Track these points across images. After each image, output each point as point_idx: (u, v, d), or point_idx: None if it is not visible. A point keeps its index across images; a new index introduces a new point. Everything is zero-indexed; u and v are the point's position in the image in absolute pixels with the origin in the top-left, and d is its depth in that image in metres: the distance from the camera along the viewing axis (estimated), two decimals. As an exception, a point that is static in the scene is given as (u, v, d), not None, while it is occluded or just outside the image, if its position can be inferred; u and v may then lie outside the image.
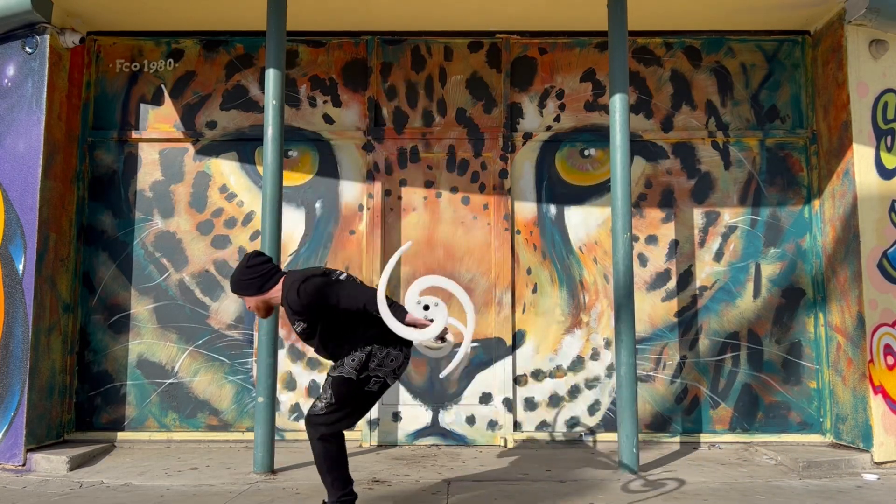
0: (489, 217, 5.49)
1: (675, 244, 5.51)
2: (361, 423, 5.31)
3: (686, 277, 5.49)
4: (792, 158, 5.59)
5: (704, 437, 5.33)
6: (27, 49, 5.07)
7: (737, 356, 5.43)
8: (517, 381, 5.39)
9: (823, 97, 5.38)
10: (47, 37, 5.05)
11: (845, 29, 5.07)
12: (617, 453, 4.62)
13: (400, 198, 5.53)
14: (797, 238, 5.51)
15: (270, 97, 4.68)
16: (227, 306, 5.45)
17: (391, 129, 5.58)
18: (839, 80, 5.15)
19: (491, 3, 5.19)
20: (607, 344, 5.41)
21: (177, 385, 5.40)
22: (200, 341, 5.42)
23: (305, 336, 3.35)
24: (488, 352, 5.38)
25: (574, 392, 5.39)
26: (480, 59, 5.66)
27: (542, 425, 5.36)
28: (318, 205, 5.55)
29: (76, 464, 4.70)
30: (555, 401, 5.38)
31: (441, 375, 3.29)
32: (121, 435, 5.31)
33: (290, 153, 5.53)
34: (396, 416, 5.33)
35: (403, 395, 5.35)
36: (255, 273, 3.30)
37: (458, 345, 3.34)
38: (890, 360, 4.87)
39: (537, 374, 5.40)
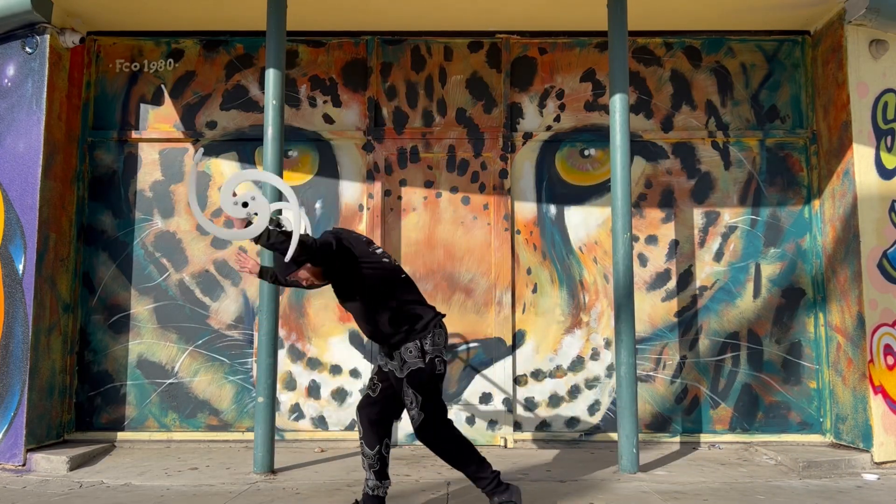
0: (489, 217, 5.49)
1: (675, 244, 5.51)
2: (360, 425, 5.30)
3: (686, 277, 5.49)
4: (792, 158, 5.59)
5: (704, 437, 5.33)
6: (27, 49, 5.07)
7: (737, 356, 5.43)
8: (517, 381, 5.39)
9: (823, 97, 5.38)
10: (47, 37, 5.05)
11: (845, 29, 5.07)
12: (617, 453, 4.62)
13: (400, 198, 5.53)
14: (797, 238, 5.51)
15: (270, 97, 4.67)
16: (227, 306, 5.45)
17: (391, 129, 5.58)
18: (839, 80, 5.15)
19: (491, 3, 5.19)
20: (607, 344, 5.41)
21: (177, 385, 5.40)
22: (200, 341, 5.42)
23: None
24: (488, 352, 5.38)
25: (574, 392, 5.39)
26: (480, 59, 5.66)
27: (542, 425, 5.36)
28: (318, 205, 5.55)
29: (76, 464, 4.70)
30: (555, 401, 5.38)
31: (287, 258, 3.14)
32: (121, 435, 5.31)
33: (290, 153, 5.53)
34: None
35: (403, 395, 5.35)
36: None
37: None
38: (890, 360, 4.87)
39: (537, 374, 5.40)
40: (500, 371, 5.36)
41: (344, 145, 5.58)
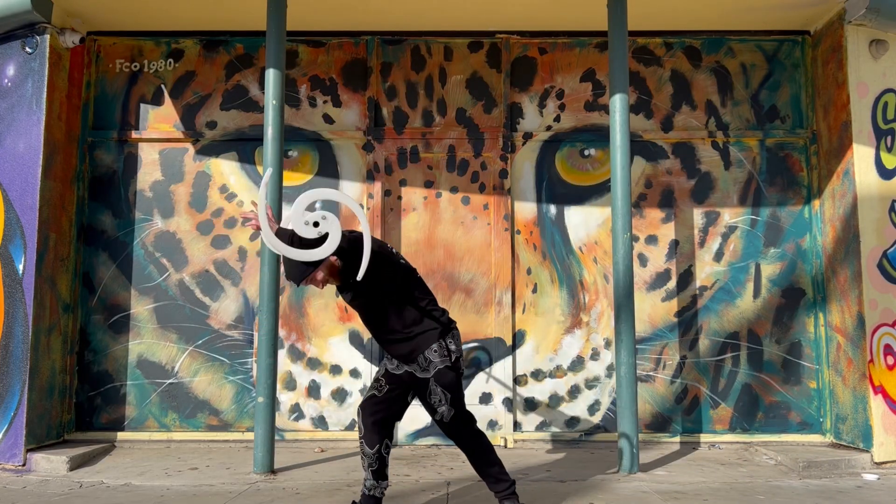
0: (489, 217, 5.49)
1: (675, 244, 5.51)
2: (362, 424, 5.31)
3: (686, 277, 5.49)
4: (792, 158, 5.59)
5: (704, 437, 5.33)
6: (27, 49, 5.07)
7: (737, 356, 5.43)
8: (517, 381, 5.39)
9: (823, 97, 5.38)
10: (47, 37, 5.05)
11: (845, 29, 5.07)
12: (617, 453, 4.62)
13: (400, 198, 5.53)
14: (797, 238, 5.51)
15: (270, 97, 4.67)
16: (227, 306, 5.45)
17: (391, 129, 5.58)
18: (839, 80, 5.15)
19: (491, 3, 5.19)
20: (607, 344, 5.41)
21: (177, 385, 5.40)
22: (200, 341, 5.42)
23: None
24: (488, 352, 5.38)
25: (574, 392, 5.39)
26: (480, 59, 5.66)
27: (542, 425, 5.36)
28: (318, 205, 5.54)
29: (76, 464, 4.70)
30: (555, 401, 5.38)
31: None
32: (121, 435, 5.31)
33: (290, 153, 5.53)
34: (396, 416, 5.33)
35: (403, 395, 5.35)
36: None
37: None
38: (890, 360, 4.87)
39: (537, 374, 5.41)
40: (500, 371, 5.36)
41: (344, 145, 5.58)
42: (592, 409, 5.38)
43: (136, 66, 5.66)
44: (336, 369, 5.39)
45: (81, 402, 5.38)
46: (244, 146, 5.57)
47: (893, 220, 4.99)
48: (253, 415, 5.13)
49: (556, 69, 5.66)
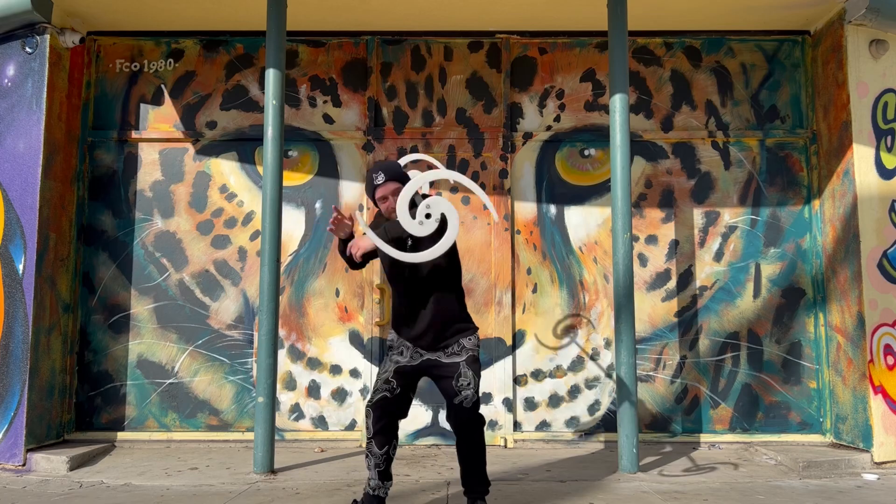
0: (489, 217, 5.49)
1: (675, 244, 5.51)
2: (362, 423, 5.31)
3: (686, 277, 5.49)
4: (792, 158, 5.59)
5: (704, 437, 5.33)
6: (27, 49, 5.07)
7: (737, 356, 5.43)
8: (517, 381, 5.39)
9: (823, 97, 5.38)
10: (47, 37, 5.05)
11: (845, 29, 5.07)
12: (617, 453, 4.62)
13: (400, 198, 5.52)
14: (797, 238, 5.51)
15: (270, 97, 4.68)
16: (227, 306, 5.45)
17: (391, 129, 5.58)
18: (839, 80, 5.15)
19: (491, 3, 5.19)
20: (607, 344, 5.41)
21: (177, 385, 5.40)
22: (200, 341, 5.42)
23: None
24: (488, 352, 5.38)
25: (574, 392, 5.39)
26: (480, 59, 5.66)
27: (542, 425, 5.36)
28: (318, 205, 5.55)
29: (76, 464, 4.70)
30: (555, 401, 5.38)
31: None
32: (121, 435, 5.31)
33: (290, 153, 5.54)
34: (396, 416, 5.33)
35: (403, 395, 5.34)
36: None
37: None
38: (890, 360, 4.87)
39: (537, 374, 5.41)
40: (500, 371, 5.36)
41: (344, 145, 5.58)
42: (592, 409, 5.38)
43: (136, 66, 5.66)
44: (336, 369, 5.39)
45: (81, 402, 5.38)
46: (244, 146, 5.58)
47: (893, 220, 4.99)
48: (253, 415, 5.13)
49: (556, 69, 5.66)
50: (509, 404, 5.33)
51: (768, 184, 5.56)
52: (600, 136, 5.50)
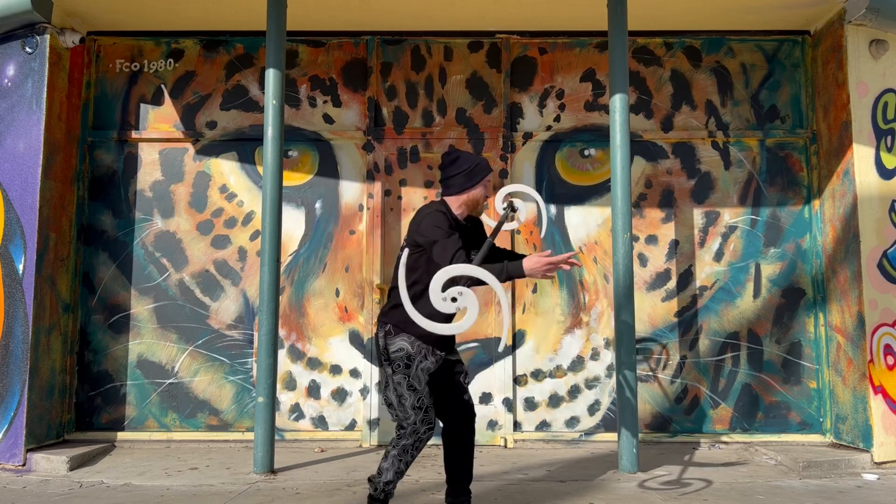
0: (489, 217, 5.48)
1: (675, 244, 5.51)
2: (362, 423, 5.31)
3: (686, 277, 5.49)
4: (792, 158, 5.59)
5: (704, 437, 5.33)
6: (27, 49, 5.07)
7: (737, 356, 5.43)
8: (517, 381, 5.39)
9: (823, 97, 5.38)
10: (47, 37, 5.05)
11: (845, 29, 5.07)
12: (617, 453, 4.62)
13: (400, 198, 5.53)
14: (797, 238, 5.51)
15: (270, 97, 4.68)
16: (227, 306, 5.45)
17: (391, 129, 5.58)
18: (839, 80, 5.15)
19: (491, 3, 5.19)
20: (607, 344, 5.41)
21: (177, 385, 5.40)
22: (200, 341, 5.42)
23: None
24: (488, 352, 5.38)
25: (574, 392, 5.39)
26: (480, 59, 5.66)
27: (542, 425, 5.36)
28: (318, 205, 5.55)
29: (76, 464, 4.70)
30: (555, 401, 5.38)
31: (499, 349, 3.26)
32: (121, 435, 5.31)
33: (290, 153, 5.54)
34: (396, 416, 5.33)
35: (403, 395, 5.34)
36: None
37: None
38: (890, 360, 4.87)
39: (537, 374, 5.41)
40: (500, 371, 5.36)
41: (344, 145, 5.58)
42: (592, 409, 5.38)
43: (136, 66, 5.66)
44: (336, 369, 5.39)
45: (81, 402, 5.38)
46: (244, 146, 5.58)
47: (893, 220, 4.99)
48: (253, 415, 5.13)
49: (556, 69, 5.66)
50: (509, 404, 5.33)
51: (768, 184, 5.56)
52: (600, 136, 5.50)
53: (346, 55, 5.67)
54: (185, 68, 5.65)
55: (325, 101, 5.63)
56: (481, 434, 5.30)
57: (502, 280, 3.05)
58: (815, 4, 5.17)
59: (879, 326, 4.89)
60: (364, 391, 5.33)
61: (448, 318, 3.18)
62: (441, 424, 3.44)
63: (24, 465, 4.71)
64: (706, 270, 5.50)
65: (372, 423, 5.28)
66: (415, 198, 5.53)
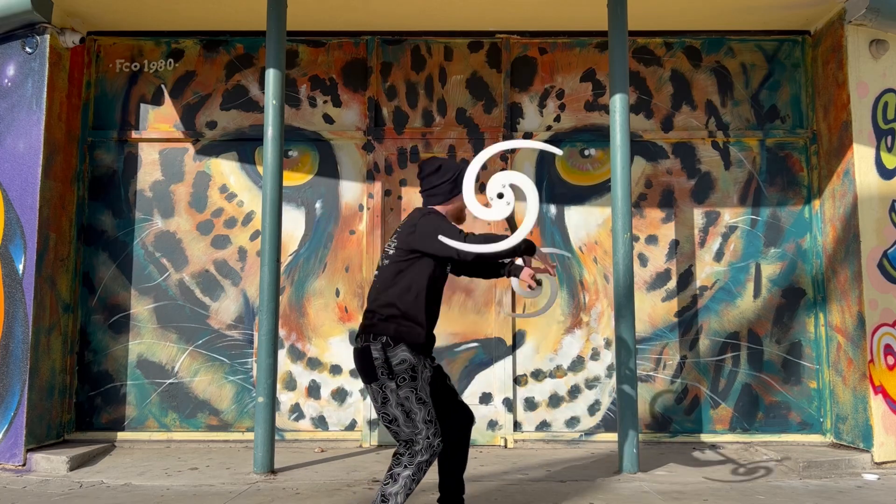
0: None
1: (675, 244, 5.51)
2: (362, 423, 5.31)
3: (686, 277, 5.48)
4: (792, 158, 5.59)
5: (704, 437, 5.33)
6: (27, 49, 5.07)
7: (737, 356, 5.43)
8: (517, 381, 5.39)
9: (823, 97, 5.38)
10: (47, 37, 5.05)
11: (845, 29, 5.07)
12: (617, 453, 4.62)
13: (400, 198, 5.53)
14: (797, 238, 5.51)
15: (270, 97, 4.67)
16: (227, 306, 5.45)
17: (391, 129, 5.58)
18: (839, 80, 5.14)
19: (491, 3, 5.18)
20: (607, 344, 5.41)
21: (177, 385, 5.40)
22: (200, 341, 5.42)
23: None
24: (488, 352, 5.38)
25: (574, 392, 5.39)
26: (480, 59, 5.66)
27: (542, 425, 5.36)
28: (318, 205, 5.55)
29: (76, 464, 4.70)
30: (555, 401, 5.38)
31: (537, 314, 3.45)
32: (121, 435, 5.31)
33: (290, 153, 5.53)
34: (396, 416, 5.33)
35: (403, 395, 5.34)
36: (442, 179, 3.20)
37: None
38: (890, 360, 4.87)
39: (537, 374, 5.40)
40: (500, 371, 5.36)
41: (344, 145, 5.58)
42: (592, 409, 5.38)
43: (136, 66, 5.66)
44: (336, 369, 5.39)
45: (81, 402, 5.38)
46: (244, 146, 5.57)
47: (893, 220, 4.99)
48: (253, 415, 5.13)
49: (556, 69, 5.66)
50: (509, 404, 5.33)
51: (768, 184, 5.56)
52: (600, 136, 5.50)
53: (346, 55, 5.67)
54: (185, 68, 5.65)
55: (325, 101, 5.62)
56: (481, 434, 5.30)
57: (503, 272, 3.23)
58: (815, 4, 5.17)
59: (879, 326, 4.89)
60: (364, 391, 5.33)
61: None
62: None
63: (24, 465, 4.70)
64: (706, 270, 5.50)
65: (372, 423, 5.28)
66: (415, 198, 5.53)
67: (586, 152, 5.58)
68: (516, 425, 5.35)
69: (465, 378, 5.36)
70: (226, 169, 5.56)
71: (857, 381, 4.96)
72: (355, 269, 5.45)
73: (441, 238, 2.93)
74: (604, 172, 5.53)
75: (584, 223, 5.52)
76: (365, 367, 3.04)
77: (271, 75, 4.68)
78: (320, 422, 5.35)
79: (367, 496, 3.96)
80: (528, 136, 5.57)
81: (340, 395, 5.37)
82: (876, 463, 4.74)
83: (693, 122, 5.61)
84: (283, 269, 5.39)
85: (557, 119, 5.60)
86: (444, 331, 5.39)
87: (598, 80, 5.64)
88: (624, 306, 4.61)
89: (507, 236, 2.93)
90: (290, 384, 5.38)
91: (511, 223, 3.29)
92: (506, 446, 5.26)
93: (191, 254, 5.50)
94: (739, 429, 5.36)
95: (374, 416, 5.29)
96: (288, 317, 5.42)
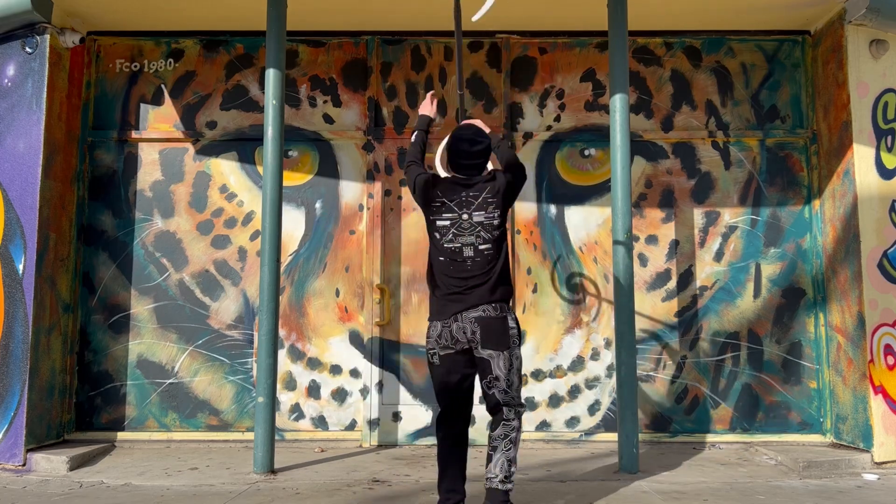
0: (489, 217, 5.48)
1: (675, 244, 5.51)
2: (362, 423, 5.31)
3: (686, 277, 5.48)
4: (792, 158, 5.59)
5: (704, 437, 5.33)
6: (27, 49, 5.07)
7: (737, 356, 5.43)
8: (517, 381, 5.39)
9: (823, 97, 5.38)
10: (47, 37, 5.05)
11: (845, 29, 5.07)
12: (617, 453, 4.62)
13: (400, 198, 5.53)
14: (797, 238, 5.51)
15: (270, 97, 4.67)
16: (227, 306, 5.45)
17: (391, 128, 5.58)
18: (839, 79, 5.15)
19: (491, 3, 5.18)
20: (607, 344, 5.41)
21: (177, 385, 5.40)
22: (200, 341, 5.42)
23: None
24: (488, 352, 5.38)
25: (574, 392, 5.39)
26: (480, 59, 5.66)
27: (542, 425, 5.36)
28: (318, 205, 5.55)
29: (76, 464, 4.70)
30: (555, 401, 5.38)
31: (473, 18, 3.49)
32: (121, 435, 5.31)
33: (290, 153, 5.53)
34: (396, 416, 5.33)
35: (403, 394, 5.35)
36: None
37: None
38: (890, 360, 4.87)
39: (537, 374, 5.40)
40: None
41: (344, 145, 5.58)
42: (592, 409, 5.38)
43: (136, 66, 5.66)
44: (336, 369, 5.39)
45: (81, 402, 5.38)
46: (244, 146, 5.58)
47: (893, 220, 4.99)
48: (253, 415, 5.13)
49: (556, 69, 5.66)
50: (509, 404, 5.32)
51: (768, 184, 5.56)
52: (600, 136, 5.50)
53: (346, 55, 5.67)
54: (185, 68, 5.65)
55: (325, 101, 5.62)
56: (481, 434, 5.30)
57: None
58: (815, 4, 5.17)
59: (879, 326, 4.89)
60: (364, 391, 5.33)
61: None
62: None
63: (24, 465, 4.71)
64: (706, 270, 5.50)
65: (372, 423, 5.28)
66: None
67: (586, 152, 5.59)
68: (516, 425, 5.34)
69: (465, 378, 5.36)
70: (226, 169, 5.56)
71: (857, 381, 4.96)
72: (355, 269, 5.45)
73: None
74: (604, 172, 5.53)
75: (584, 223, 5.52)
76: (499, 335, 3.25)
77: (271, 75, 4.68)
78: (320, 422, 5.36)
79: (367, 496, 3.96)
80: (528, 135, 5.57)
81: (340, 395, 5.37)
82: (876, 463, 4.74)
83: (693, 122, 5.61)
84: (283, 269, 5.39)
85: (557, 119, 5.60)
86: (444, 331, 5.40)
87: (598, 80, 5.64)
88: (624, 306, 4.61)
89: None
90: (290, 384, 5.38)
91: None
92: (506, 446, 5.25)
93: (191, 254, 5.50)
94: (739, 429, 5.36)
95: (374, 416, 5.29)
96: (288, 317, 5.42)
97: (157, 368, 5.40)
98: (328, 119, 5.61)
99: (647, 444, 5.20)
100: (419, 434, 5.31)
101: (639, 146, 5.53)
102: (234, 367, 5.40)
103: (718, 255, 5.50)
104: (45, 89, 5.01)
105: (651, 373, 5.41)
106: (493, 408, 3.34)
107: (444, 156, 3.55)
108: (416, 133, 3.67)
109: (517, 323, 3.35)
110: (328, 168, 5.57)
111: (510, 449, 3.26)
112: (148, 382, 5.40)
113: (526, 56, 5.67)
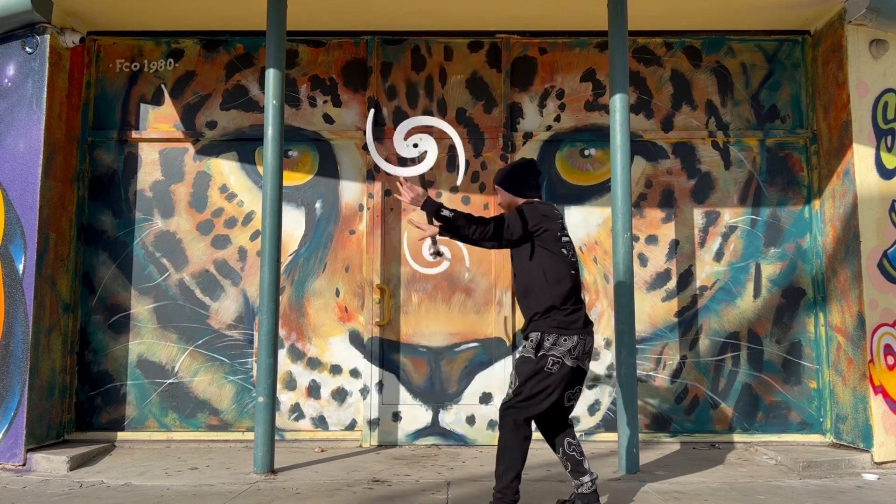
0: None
1: (675, 244, 5.51)
2: (362, 423, 5.31)
3: (686, 277, 5.49)
4: (792, 158, 5.59)
5: (704, 437, 5.33)
6: (27, 49, 5.07)
7: (737, 356, 5.43)
8: (517, 381, 5.39)
9: (823, 97, 5.38)
10: (47, 37, 5.05)
11: (846, 29, 5.07)
12: (617, 453, 4.62)
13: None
14: (797, 238, 5.51)
15: (270, 97, 4.67)
16: (227, 306, 5.45)
17: (391, 128, 5.58)
18: (839, 79, 5.15)
19: (491, 3, 5.19)
20: (607, 344, 5.41)
21: (177, 385, 5.40)
22: (200, 341, 5.42)
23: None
24: (488, 352, 5.38)
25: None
26: (480, 59, 5.66)
27: (542, 425, 5.35)
28: (318, 205, 5.55)
29: (76, 464, 4.70)
30: (555, 401, 5.37)
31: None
32: (121, 435, 5.31)
33: (290, 153, 5.53)
34: (396, 416, 5.33)
35: (403, 394, 5.35)
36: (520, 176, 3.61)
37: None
38: (890, 360, 4.87)
39: (537, 374, 5.39)
40: (500, 371, 5.36)
41: (344, 145, 5.58)
42: (592, 409, 5.38)
43: (136, 66, 5.66)
44: (336, 369, 5.39)
45: (81, 402, 5.38)
46: (244, 146, 5.58)
47: (893, 220, 4.99)
48: (253, 415, 5.13)
49: (556, 69, 5.66)
50: (509, 404, 5.32)
51: (768, 184, 5.56)
52: (600, 136, 5.50)
53: (346, 55, 5.67)
54: (185, 68, 5.65)
55: (325, 101, 5.62)
56: (481, 434, 5.31)
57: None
58: (815, 4, 5.17)
59: (879, 326, 4.89)
60: (364, 391, 5.33)
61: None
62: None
63: (24, 464, 4.71)
64: (706, 270, 5.50)
65: (372, 423, 5.28)
66: (415, 198, 5.53)
67: (586, 152, 5.59)
68: (516, 425, 5.34)
69: (464, 378, 5.36)
70: (226, 169, 5.57)
71: (857, 381, 4.96)
72: (355, 269, 5.45)
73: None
74: (604, 172, 5.54)
75: (584, 223, 5.52)
76: (590, 352, 3.48)
77: (271, 75, 4.68)
78: (320, 422, 5.36)
79: (367, 496, 3.96)
80: (528, 135, 5.57)
81: (340, 394, 5.37)
82: (876, 463, 4.74)
83: (693, 122, 5.61)
84: (283, 269, 5.40)
85: (557, 119, 5.60)
86: (444, 331, 5.40)
87: (598, 80, 5.64)
88: (624, 306, 4.61)
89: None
90: (290, 384, 5.38)
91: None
92: (506, 446, 5.25)
93: (191, 254, 5.50)
94: (739, 429, 5.36)
95: (374, 416, 5.29)
96: (288, 317, 5.42)
97: (157, 368, 5.40)
98: (328, 119, 5.61)
99: (647, 444, 5.20)
100: (419, 434, 5.31)
101: (639, 146, 5.53)
102: (234, 367, 5.40)
103: (718, 255, 5.50)
104: (45, 89, 5.01)
105: (651, 373, 5.41)
106: (568, 418, 3.62)
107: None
108: (451, 211, 3.44)
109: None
110: (328, 168, 5.57)
111: (580, 461, 3.63)
112: (148, 382, 5.40)
113: (526, 56, 5.67)
